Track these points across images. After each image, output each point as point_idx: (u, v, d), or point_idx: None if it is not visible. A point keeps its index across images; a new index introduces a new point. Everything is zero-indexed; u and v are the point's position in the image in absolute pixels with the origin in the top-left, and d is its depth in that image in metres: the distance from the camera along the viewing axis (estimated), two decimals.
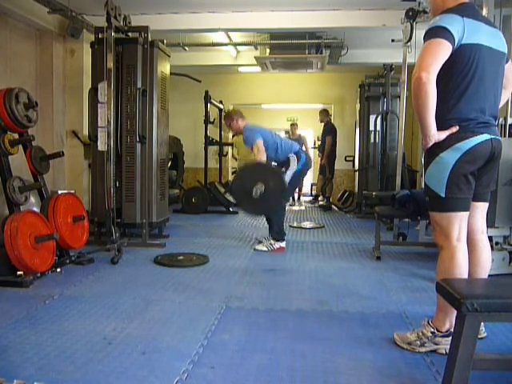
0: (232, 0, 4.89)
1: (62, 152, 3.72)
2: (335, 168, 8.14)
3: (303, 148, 8.32)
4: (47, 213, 3.30)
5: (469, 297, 1.48)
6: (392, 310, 2.63)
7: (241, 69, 8.00)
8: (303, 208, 8.05)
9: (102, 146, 3.90)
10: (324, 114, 8.07)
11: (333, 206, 7.89)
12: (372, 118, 6.65)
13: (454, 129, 1.91)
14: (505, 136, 3.68)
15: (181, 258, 3.81)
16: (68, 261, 3.47)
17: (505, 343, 2.17)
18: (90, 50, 4.40)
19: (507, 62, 2.06)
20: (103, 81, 3.88)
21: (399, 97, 5.75)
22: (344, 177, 8.60)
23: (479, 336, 1.89)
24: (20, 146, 3.42)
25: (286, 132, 9.32)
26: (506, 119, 3.71)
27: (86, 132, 4.98)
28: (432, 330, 2.02)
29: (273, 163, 4.21)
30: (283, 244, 4.21)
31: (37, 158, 3.48)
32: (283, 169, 4.13)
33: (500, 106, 2.08)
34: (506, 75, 2.06)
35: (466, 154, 1.89)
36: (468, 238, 2.02)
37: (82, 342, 2.10)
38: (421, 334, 2.05)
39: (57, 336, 2.16)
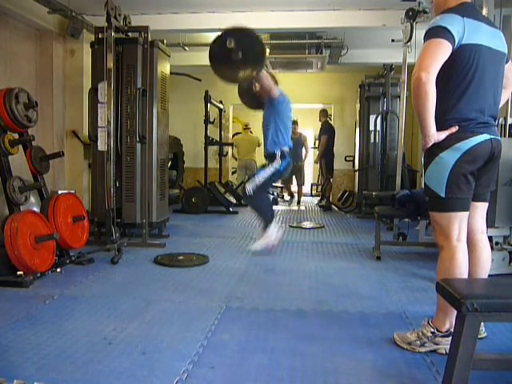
0: (232, 0, 4.89)
1: (62, 152, 3.73)
2: (335, 168, 8.15)
3: (303, 149, 8.38)
4: (47, 213, 3.30)
5: (469, 297, 1.47)
6: (392, 309, 2.63)
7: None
8: (303, 208, 8.05)
9: (101, 146, 3.90)
10: (323, 113, 8.17)
11: (333, 206, 7.90)
12: (372, 117, 6.65)
13: (454, 129, 1.91)
14: (505, 136, 3.68)
15: (181, 257, 3.81)
16: (68, 261, 3.47)
17: (505, 343, 2.17)
18: (90, 50, 4.40)
19: (507, 62, 2.06)
20: (103, 81, 3.88)
21: (399, 97, 5.74)
22: (344, 177, 8.60)
23: (479, 336, 1.89)
24: (20, 146, 3.42)
25: None
26: (506, 119, 3.71)
27: (86, 132, 4.98)
28: (432, 330, 2.02)
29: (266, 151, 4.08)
30: (279, 234, 3.76)
31: (37, 158, 3.48)
32: (267, 162, 4.07)
33: (500, 106, 2.08)
34: (506, 75, 2.06)
35: (466, 154, 1.89)
36: (468, 238, 2.02)
37: (82, 342, 2.10)
38: (421, 333, 2.05)
39: (57, 336, 2.16)
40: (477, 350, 1.51)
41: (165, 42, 4.61)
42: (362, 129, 7.02)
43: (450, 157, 1.91)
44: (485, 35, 1.92)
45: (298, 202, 8.60)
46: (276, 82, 4.19)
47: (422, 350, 2.03)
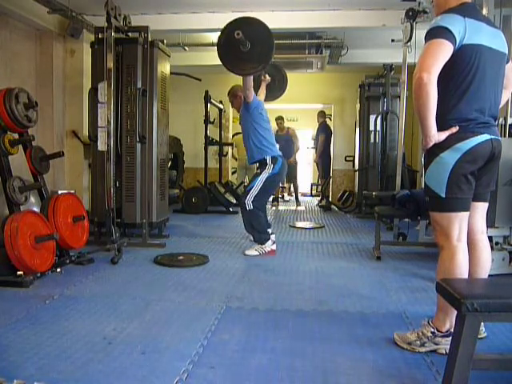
0: (232, 0, 4.89)
1: (62, 152, 3.72)
2: (335, 168, 8.14)
3: (294, 146, 8.23)
4: (47, 213, 3.30)
5: (469, 297, 1.47)
6: (392, 310, 2.63)
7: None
8: (303, 208, 8.05)
9: (101, 145, 3.90)
10: (320, 115, 8.27)
11: (333, 206, 7.89)
12: (372, 117, 6.65)
13: (454, 129, 1.91)
14: (505, 136, 3.68)
15: (181, 257, 3.81)
16: (68, 261, 3.47)
17: (505, 343, 2.17)
18: (90, 50, 4.40)
19: (508, 62, 2.06)
20: (103, 81, 3.88)
21: (399, 97, 5.75)
22: (344, 177, 8.59)
23: (479, 336, 1.89)
24: (20, 146, 3.42)
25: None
26: (506, 119, 3.71)
27: (86, 132, 4.98)
28: (432, 330, 2.02)
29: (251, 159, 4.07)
30: (274, 246, 4.05)
31: (37, 158, 3.48)
32: (258, 170, 3.99)
33: (500, 106, 2.08)
34: (506, 75, 2.06)
35: (466, 154, 1.89)
36: (468, 238, 2.02)
37: (82, 342, 2.10)
38: (421, 333, 2.05)
39: (57, 336, 2.16)
40: (477, 350, 1.51)
41: (165, 41, 4.61)
42: (362, 129, 7.02)
43: (450, 157, 1.91)
44: (486, 35, 1.92)
45: (297, 200, 8.40)
46: (259, 85, 4.27)
47: (422, 349, 2.03)
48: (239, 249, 4.28)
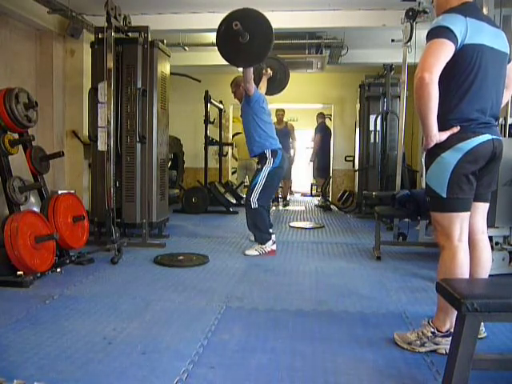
0: (232, 0, 4.88)
1: (62, 152, 3.73)
2: (334, 168, 8.13)
3: (290, 139, 8.13)
4: (47, 213, 3.30)
5: (469, 297, 1.47)
6: (392, 310, 2.63)
7: (241, 69, 7.98)
8: (303, 208, 8.05)
9: (101, 146, 3.90)
10: (320, 116, 8.31)
11: (333, 206, 7.89)
12: (372, 117, 6.65)
13: (456, 129, 1.91)
14: (505, 136, 3.68)
15: (181, 257, 3.81)
16: (68, 261, 3.46)
17: (505, 343, 2.17)
18: (90, 50, 4.40)
19: (509, 62, 2.06)
20: (103, 81, 3.88)
21: (399, 97, 5.74)
22: (344, 177, 8.59)
23: (479, 336, 1.89)
24: (20, 146, 3.42)
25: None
26: (506, 119, 3.71)
27: (86, 132, 4.98)
28: (432, 330, 2.02)
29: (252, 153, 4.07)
30: (274, 246, 4.05)
31: (37, 158, 3.48)
32: (259, 166, 4.00)
33: (502, 105, 2.08)
34: (508, 75, 2.06)
35: (468, 154, 1.89)
36: (468, 238, 2.02)
37: (82, 342, 2.10)
38: (421, 333, 2.05)
39: (57, 336, 2.16)
40: (477, 350, 1.51)
41: (165, 42, 4.61)
42: (362, 129, 7.01)
43: (451, 157, 1.91)
44: (487, 35, 1.91)
45: (284, 200, 8.07)
46: (260, 78, 4.25)
47: (422, 349, 2.03)
48: (239, 249, 4.28)
